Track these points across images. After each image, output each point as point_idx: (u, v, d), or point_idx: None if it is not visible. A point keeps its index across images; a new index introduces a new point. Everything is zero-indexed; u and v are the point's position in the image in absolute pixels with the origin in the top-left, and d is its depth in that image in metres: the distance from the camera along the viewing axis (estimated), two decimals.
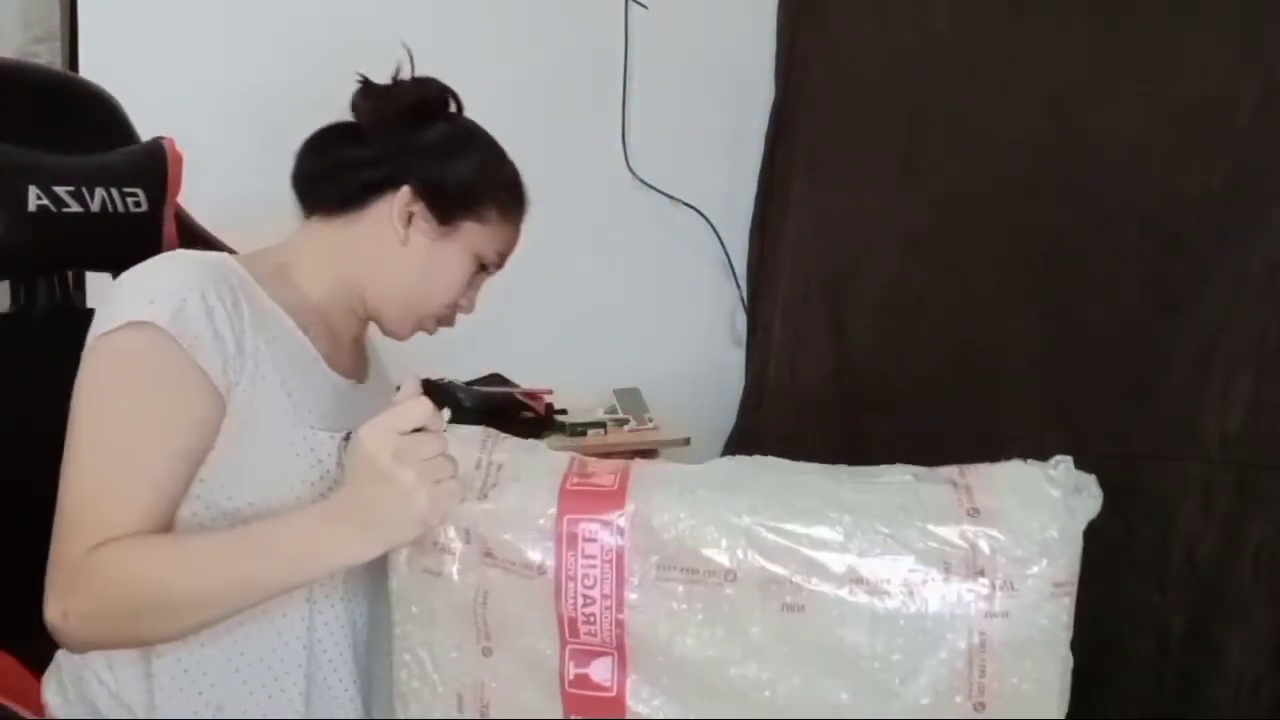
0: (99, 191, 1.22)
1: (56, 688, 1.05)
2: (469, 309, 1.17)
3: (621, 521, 0.81)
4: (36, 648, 1.05)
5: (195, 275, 0.98)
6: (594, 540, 0.81)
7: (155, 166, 1.29)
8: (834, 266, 2.03)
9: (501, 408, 1.92)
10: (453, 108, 1.16)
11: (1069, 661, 0.80)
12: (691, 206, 2.22)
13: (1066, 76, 1.80)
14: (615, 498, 0.82)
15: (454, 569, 0.85)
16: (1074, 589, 0.78)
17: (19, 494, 1.12)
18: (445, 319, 1.15)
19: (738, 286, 2.27)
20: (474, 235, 1.11)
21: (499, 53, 2.01)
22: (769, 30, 2.15)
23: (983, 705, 0.78)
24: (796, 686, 0.80)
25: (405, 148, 1.09)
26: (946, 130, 1.91)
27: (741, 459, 0.89)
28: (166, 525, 0.94)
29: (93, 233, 1.24)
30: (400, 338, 1.15)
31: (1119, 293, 1.78)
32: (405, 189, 1.08)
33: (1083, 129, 1.79)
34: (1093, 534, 1.90)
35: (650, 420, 2.09)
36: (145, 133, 1.35)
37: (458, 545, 0.85)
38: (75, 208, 1.20)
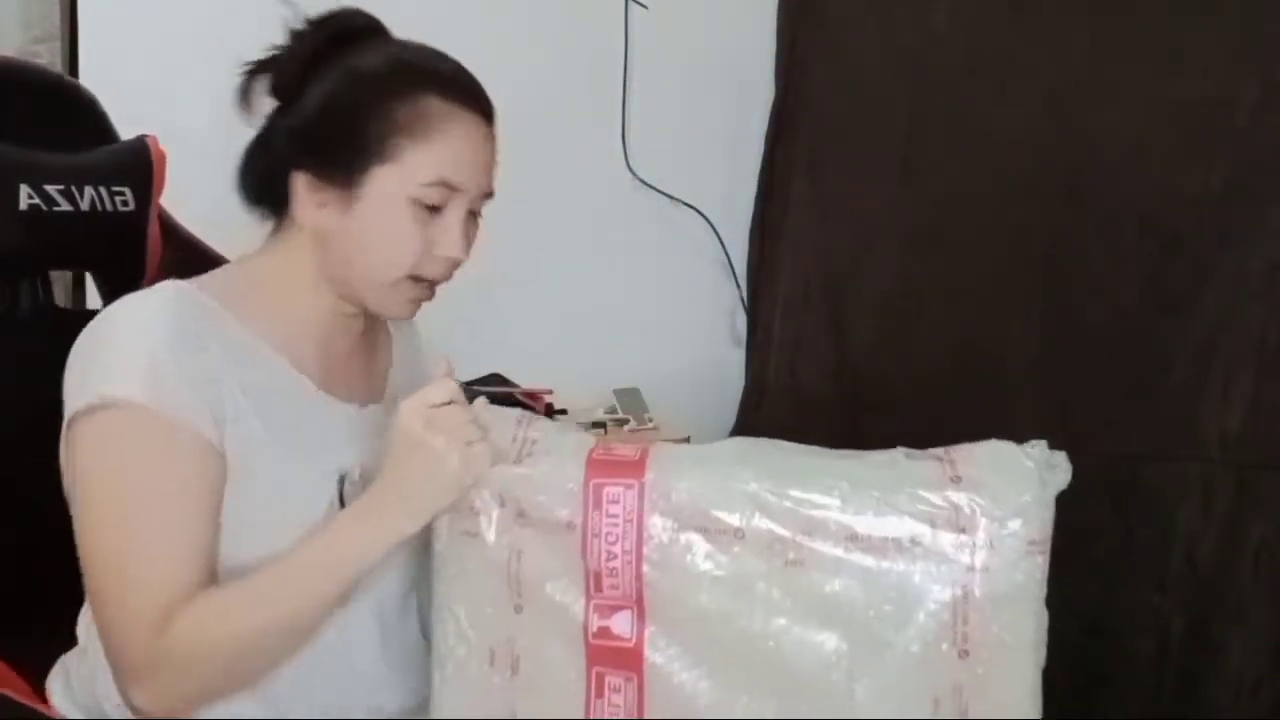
0: (88, 190, 1.21)
1: (64, 691, 1.04)
2: (457, 253, 1.01)
3: (641, 486, 0.90)
4: (26, 651, 1.04)
5: (161, 327, 0.94)
6: (617, 502, 0.90)
7: (140, 165, 1.29)
8: (834, 266, 2.03)
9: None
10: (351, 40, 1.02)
11: (1044, 616, 0.89)
12: (691, 206, 2.22)
13: (1066, 76, 1.80)
14: (636, 467, 0.91)
15: (490, 531, 0.93)
16: (1047, 549, 0.88)
17: (7, 494, 1.11)
18: (433, 276, 1.03)
19: (738, 286, 2.27)
20: (389, 179, 0.97)
21: (499, 53, 2.01)
22: (769, 30, 2.15)
23: (966, 653, 0.87)
24: (798, 636, 0.88)
25: (289, 124, 1.00)
26: (946, 130, 1.91)
27: (747, 440, 0.98)
28: (214, 578, 0.94)
29: (83, 232, 1.23)
30: (402, 316, 1.06)
31: (1119, 293, 1.78)
32: (295, 175, 0.99)
33: (1083, 129, 1.79)
34: (1093, 534, 1.92)
35: (650, 420, 2.09)
36: (167, 136, 1.34)
37: (494, 509, 0.93)
38: (65, 206, 1.19)
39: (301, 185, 1.00)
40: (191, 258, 1.35)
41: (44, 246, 1.21)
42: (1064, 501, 1.87)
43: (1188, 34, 1.72)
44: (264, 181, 1.04)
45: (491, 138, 1.03)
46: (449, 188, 0.99)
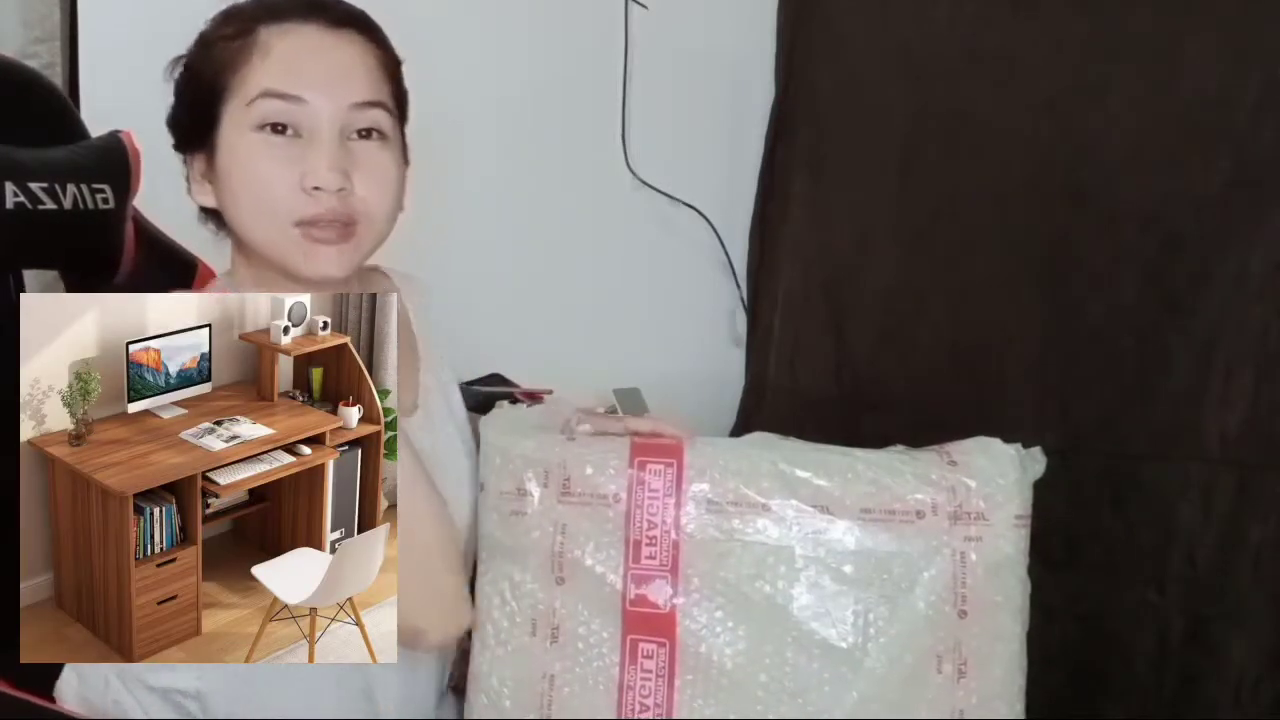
0: (70, 188, 1.20)
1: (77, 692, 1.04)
2: (319, 179, 0.94)
3: (680, 464, 1.01)
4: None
5: None
6: (658, 477, 1.01)
7: (118, 161, 1.26)
8: (834, 266, 2.03)
9: None
10: None
11: (1027, 583, 1.01)
12: (691, 206, 2.22)
13: (1066, 76, 1.80)
14: (675, 450, 1.03)
15: (535, 509, 1.02)
16: (1029, 524, 1.00)
17: None
18: (313, 215, 0.95)
19: (738, 286, 2.27)
20: (228, 117, 0.96)
21: (499, 53, 2.01)
22: (769, 30, 2.15)
23: (965, 613, 0.98)
24: (818, 597, 0.99)
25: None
26: (946, 130, 1.91)
27: (767, 433, 1.09)
28: None
29: (65, 231, 1.21)
30: (315, 274, 0.98)
31: (1119, 292, 1.78)
32: (185, 166, 1.01)
33: (1083, 128, 1.79)
34: (1093, 534, 1.91)
35: None
36: (151, 135, 1.33)
37: (538, 489, 1.02)
38: (50, 205, 1.18)
39: (193, 171, 1.00)
40: (162, 256, 1.34)
41: (27, 245, 1.19)
42: (1064, 501, 1.87)
43: (1188, 34, 1.72)
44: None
45: (351, 43, 0.97)
46: (279, 98, 0.93)
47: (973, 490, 1.00)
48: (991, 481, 1.00)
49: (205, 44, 0.99)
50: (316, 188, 0.94)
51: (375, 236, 0.99)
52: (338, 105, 0.95)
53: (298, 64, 0.94)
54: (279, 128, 0.94)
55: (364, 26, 0.99)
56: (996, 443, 1.04)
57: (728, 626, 0.99)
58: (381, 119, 0.98)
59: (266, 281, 1.02)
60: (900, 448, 1.07)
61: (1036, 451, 1.04)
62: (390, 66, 1.01)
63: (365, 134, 0.97)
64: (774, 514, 1.00)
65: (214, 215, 1.05)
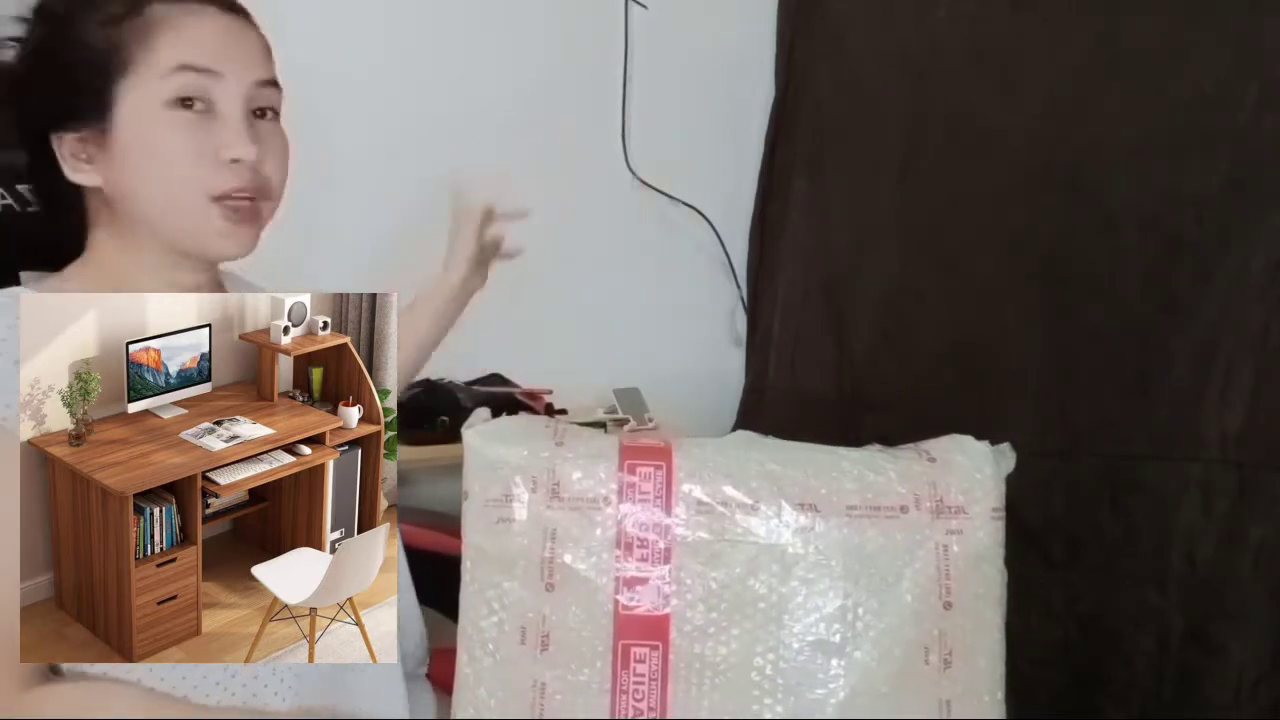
0: None
1: None
2: (238, 150, 0.94)
3: (669, 466, 1.02)
4: None
5: None
6: (648, 480, 1.01)
7: None
8: (834, 266, 2.03)
9: (502, 408, 1.92)
10: None
11: (1005, 574, 1.03)
12: (691, 206, 2.22)
13: (1067, 75, 1.81)
14: (664, 452, 1.03)
15: (523, 515, 1.01)
16: (1004, 516, 1.03)
17: None
18: (230, 188, 0.95)
19: (738, 286, 2.27)
20: (134, 89, 0.93)
21: (499, 53, 2.01)
22: (769, 30, 2.15)
23: (950, 605, 1.00)
24: (808, 594, 1.00)
25: (14, 104, 0.96)
26: (947, 129, 1.91)
27: (752, 433, 1.09)
28: None
29: (60, 233, 1.20)
30: (226, 253, 0.98)
31: (1119, 293, 1.78)
32: (54, 143, 0.95)
33: (1083, 128, 1.79)
34: (1093, 534, 1.91)
35: (650, 420, 2.09)
36: None
37: (526, 494, 1.01)
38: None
39: (64, 150, 0.95)
40: None
41: (17, 249, 1.15)
42: (1064, 501, 1.87)
43: (1188, 34, 1.72)
44: (46, 184, 0.99)
45: (244, 27, 0.98)
46: (198, 71, 0.93)
47: (952, 485, 1.02)
48: (969, 476, 1.03)
49: (75, 22, 0.94)
50: (235, 159, 0.95)
51: (271, 214, 1.00)
52: (245, 81, 0.96)
53: (209, 40, 0.95)
54: (188, 102, 0.94)
55: (246, 15, 1.00)
56: (970, 440, 1.07)
57: (721, 627, 1.00)
58: (276, 98, 1.00)
59: (144, 265, 1.00)
60: (877, 446, 1.08)
61: (1006, 448, 1.06)
62: (268, 51, 1.02)
63: (261, 113, 0.99)
64: (763, 514, 1.01)
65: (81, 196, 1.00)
